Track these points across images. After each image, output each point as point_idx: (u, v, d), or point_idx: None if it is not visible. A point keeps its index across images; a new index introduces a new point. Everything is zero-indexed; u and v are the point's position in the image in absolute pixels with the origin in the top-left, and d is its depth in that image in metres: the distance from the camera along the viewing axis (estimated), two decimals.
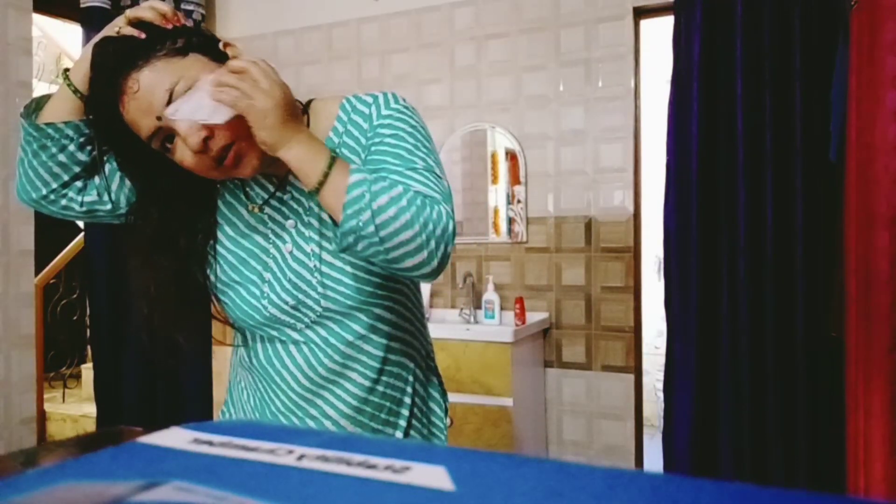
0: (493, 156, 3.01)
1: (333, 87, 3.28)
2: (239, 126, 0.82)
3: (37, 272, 2.76)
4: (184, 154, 0.84)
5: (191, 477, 0.32)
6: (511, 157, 2.97)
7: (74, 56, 4.44)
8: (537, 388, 2.84)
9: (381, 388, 0.98)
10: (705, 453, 2.49)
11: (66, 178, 0.95)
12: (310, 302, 0.93)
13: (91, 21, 2.80)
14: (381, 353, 0.96)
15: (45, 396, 3.85)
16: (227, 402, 1.11)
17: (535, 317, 2.85)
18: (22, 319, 2.57)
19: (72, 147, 0.93)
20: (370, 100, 0.94)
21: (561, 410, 2.88)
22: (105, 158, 0.97)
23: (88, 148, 0.95)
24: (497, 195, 3.01)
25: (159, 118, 0.82)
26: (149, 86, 0.81)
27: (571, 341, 2.86)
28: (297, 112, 0.83)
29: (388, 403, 0.99)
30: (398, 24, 3.17)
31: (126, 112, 0.83)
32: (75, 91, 0.91)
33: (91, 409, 3.28)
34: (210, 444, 0.37)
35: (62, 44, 4.80)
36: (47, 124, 0.92)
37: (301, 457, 0.34)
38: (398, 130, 0.90)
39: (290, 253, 0.94)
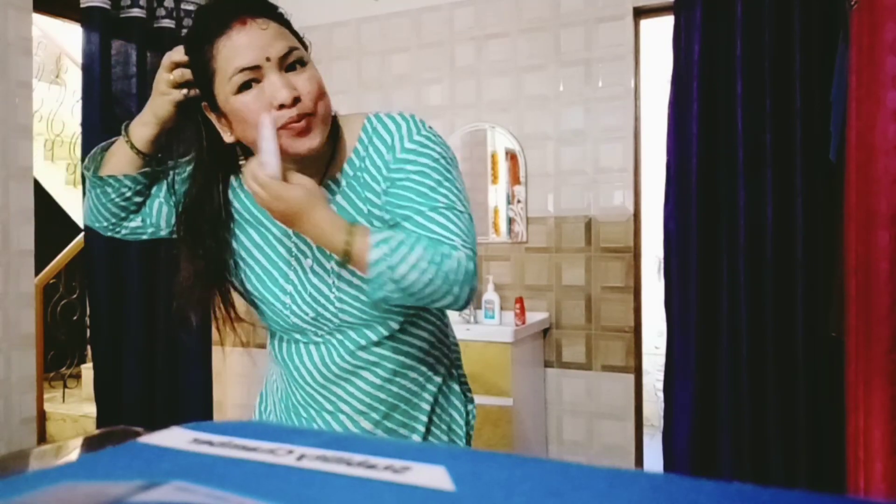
0: (493, 156, 3.01)
1: (333, 87, 3.26)
2: (320, 103, 0.92)
3: (37, 272, 2.75)
4: (260, 100, 0.90)
5: (191, 477, 0.32)
6: (511, 157, 2.97)
7: (74, 56, 4.43)
8: (537, 388, 2.84)
9: (394, 389, 1.04)
10: (705, 453, 2.49)
11: (123, 215, 1.10)
12: (328, 314, 1.00)
13: (91, 21, 2.80)
14: (394, 357, 1.02)
15: (45, 396, 3.85)
16: (262, 394, 1.20)
17: (535, 317, 2.85)
18: (22, 319, 2.57)
19: (128, 194, 1.07)
20: (393, 126, 0.98)
21: (561, 410, 2.88)
22: (152, 191, 1.10)
23: (141, 195, 1.09)
24: (497, 195, 3.01)
25: (268, 59, 0.89)
26: (279, 33, 0.91)
27: (571, 341, 2.86)
28: (308, 204, 0.89)
29: (401, 405, 1.05)
30: (398, 24, 3.17)
31: (236, 36, 0.89)
32: (132, 147, 1.03)
33: (91, 409, 3.27)
34: (210, 444, 0.37)
35: (62, 44, 4.79)
36: (109, 176, 1.05)
37: (301, 457, 0.34)
38: (422, 166, 0.95)
39: (311, 268, 1.01)
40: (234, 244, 1.05)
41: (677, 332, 2.53)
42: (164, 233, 1.11)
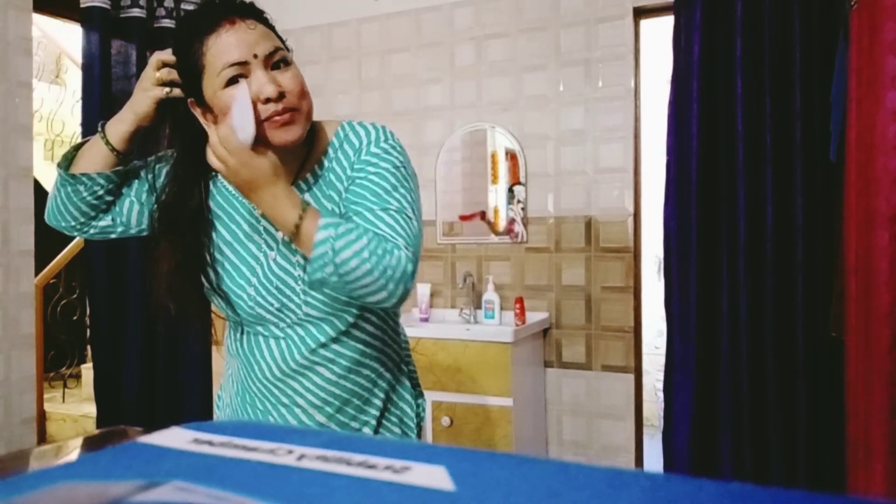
0: (493, 156, 3.01)
1: (333, 87, 3.27)
2: (303, 101, 0.97)
3: (37, 272, 2.75)
4: (244, 94, 0.93)
5: (191, 477, 0.32)
6: (511, 157, 2.97)
7: (74, 56, 4.43)
8: (537, 388, 2.84)
9: (347, 385, 1.08)
10: (705, 453, 2.49)
11: (92, 214, 1.11)
12: (292, 306, 1.04)
13: (91, 21, 2.80)
14: (349, 354, 1.07)
15: (45, 396, 3.85)
16: (222, 386, 1.23)
17: (535, 317, 2.85)
18: (22, 319, 2.57)
19: (100, 192, 1.08)
20: (363, 133, 1.05)
21: (561, 410, 2.88)
22: (123, 190, 1.12)
23: (113, 193, 1.10)
24: (497, 195, 3.01)
25: (256, 56, 0.95)
26: (265, 34, 0.97)
27: (571, 341, 2.86)
28: (273, 175, 0.93)
29: (354, 399, 1.10)
30: (398, 24, 3.17)
31: (225, 35, 0.95)
32: (108, 144, 1.06)
33: (91, 409, 3.27)
34: (210, 444, 0.37)
35: (62, 44, 4.79)
36: (82, 174, 1.06)
37: (301, 457, 0.34)
38: (382, 170, 1.01)
39: (275, 261, 1.05)
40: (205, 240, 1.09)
41: (677, 332, 2.53)
42: (133, 231, 1.14)
